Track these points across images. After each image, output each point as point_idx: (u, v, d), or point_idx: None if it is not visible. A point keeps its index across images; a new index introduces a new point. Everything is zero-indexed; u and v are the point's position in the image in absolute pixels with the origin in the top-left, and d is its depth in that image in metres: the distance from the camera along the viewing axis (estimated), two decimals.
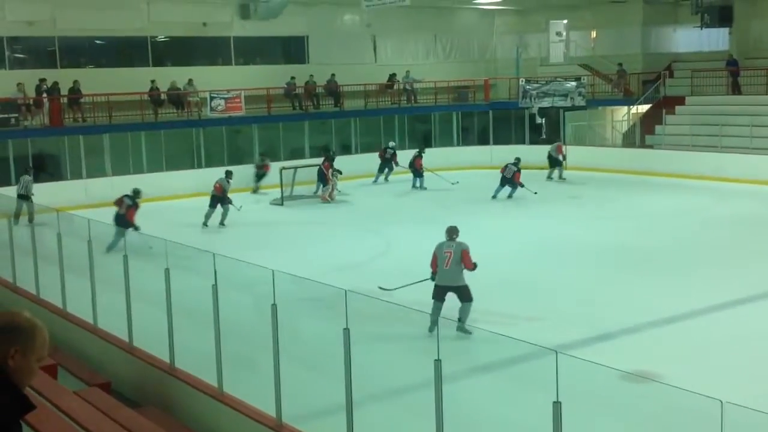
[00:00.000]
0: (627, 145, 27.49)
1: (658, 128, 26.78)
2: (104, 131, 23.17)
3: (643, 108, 28.41)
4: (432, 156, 26.72)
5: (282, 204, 20.85)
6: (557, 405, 5.42)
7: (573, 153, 26.17)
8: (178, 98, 25.06)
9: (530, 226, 17.21)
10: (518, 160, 21.07)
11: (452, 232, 10.37)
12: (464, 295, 9.84)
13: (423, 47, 31.38)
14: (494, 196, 20.62)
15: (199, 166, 24.22)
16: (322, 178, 21.29)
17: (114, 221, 14.85)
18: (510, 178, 20.58)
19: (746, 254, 14.22)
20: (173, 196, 21.58)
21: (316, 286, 8.87)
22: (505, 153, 26.85)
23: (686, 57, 29.70)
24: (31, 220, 15.49)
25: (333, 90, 27.67)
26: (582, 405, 6.64)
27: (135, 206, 15.52)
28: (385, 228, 17.25)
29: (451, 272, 9.90)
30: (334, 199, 21.05)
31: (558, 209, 19.34)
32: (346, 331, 6.85)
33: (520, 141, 28.30)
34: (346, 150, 26.37)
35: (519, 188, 20.51)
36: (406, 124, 28.88)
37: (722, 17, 27.90)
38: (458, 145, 29.18)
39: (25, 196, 17.95)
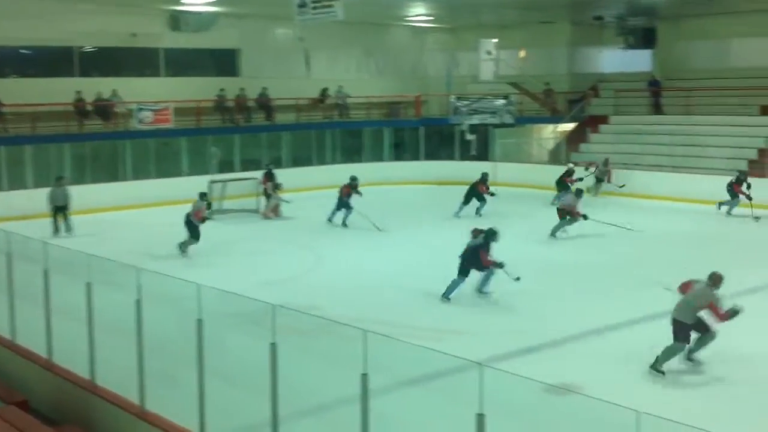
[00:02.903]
0: (553, 163, 28.07)
1: (582, 146, 27.46)
2: (26, 142, 22.57)
3: (569, 126, 29.10)
4: (364, 171, 26.86)
5: (211, 218, 20.56)
6: (481, 417, 5.50)
7: (501, 170, 26.59)
8: (104, 109, 24.58)
9: (462, 241, 17.38)
10: (485, 174, 21.29)
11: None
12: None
13: (355, 62, 31.52)
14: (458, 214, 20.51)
15: (126, 179, 23.78)
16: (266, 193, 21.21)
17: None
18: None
19: (668, 268, 14.63)
20: (98, 209, 21.14)
21: (243, 300, 8.79)
22: (437, 169, 27.25)
23: (611, 77, 30.54)
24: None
25: (264, 103, 27.55)
26: (505, 417, 6.73)
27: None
28: (316, 243, 17.21)
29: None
30: (278, 214, 20.89)
31: (481, 224, 19.55)
32: (273, 345, 6.82)
33: (451, 157, 28.64)
34: (276, 164, 26.21)
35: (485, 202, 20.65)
36: (337, 138, 28.93)
37: (646, 39, 28.86)
38: (390, 160, 29.34)
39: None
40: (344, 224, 19.25)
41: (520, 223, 19.75)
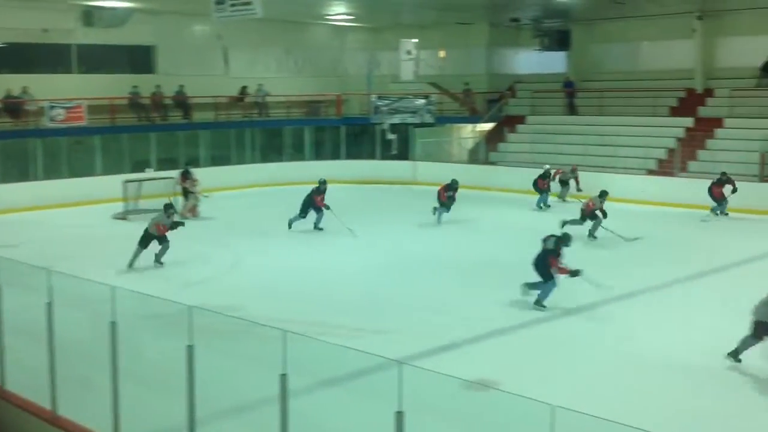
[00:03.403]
0: (472, 162, 28.48)
1: (501, 145, 27.95)
2: None
3: (488, 126, 29.57)
4: (284, 170, 26.75)
5: (125, 218, 20.14)
6: (400, 415, 5.53)
7: (421, 169, 26.85)
8: (14, 107, 23.74)
9: (382, 240, 17.45)
10: (455, 181, 19.69)
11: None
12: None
13: (275, 61, 31.27)
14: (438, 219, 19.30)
15: (37, 179, 23.04)
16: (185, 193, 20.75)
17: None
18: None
19: (580, 265, 15.01)
20: (8, 210, 20.42)
21: (159, 302, 8.64)
22: (358, 168, 27.29)
23: (527, 78, 31.14)
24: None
25: (182, 101, 27.08)
26: (425, 414, 6.79)
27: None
28: (236, 243, 17.01)
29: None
30: (196, 214, 20.53)
31: (407, 222, 19.71)
32: (190, 348, 6.71)
33: (372, 156, 28.73)
34: (194, 163, 25.78)
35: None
36: (257, 137, 28.67)
37: (561, 41, 29.56)
38: (310, 159, 29.24)
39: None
40: (318, 227, 18.24)
41: (445, 221, 19.94)
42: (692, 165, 23.23)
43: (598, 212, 17.28)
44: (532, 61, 31.24)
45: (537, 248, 16.53)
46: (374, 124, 28.44)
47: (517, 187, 23.88)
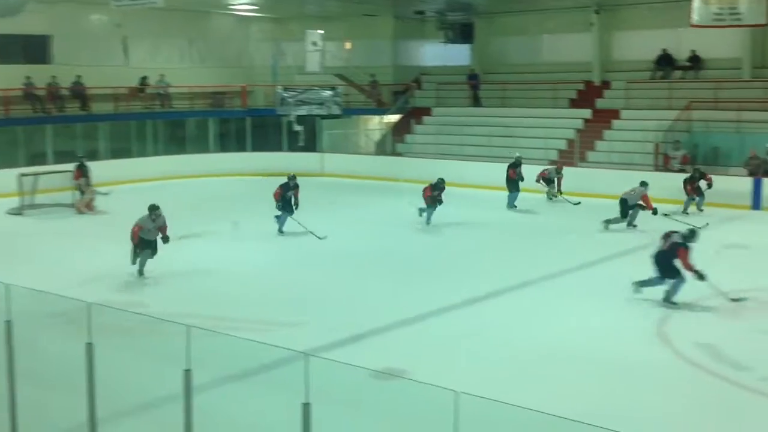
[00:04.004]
0: (379, 153, 28.62)
1: (407, 137, 28.19)
2: None
3: (394, 118, 29.76)
4: (188, 163, 26.24)
5: (21, 213, 19.38)
6: (306, 406, 5.53)
7: (329, 161, 26.81)
8: None
9: (290, 233, 17.34)
10: (441, 180, 18.17)
11: None
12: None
13: (177, 51, 30.63)
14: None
15: None
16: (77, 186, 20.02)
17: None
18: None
19: (487, 254, 15.33)
20: None
21: (57, 300, 8.36)
22: (264, 160, 27.01)
23: (433, 70, 31.50)
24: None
25: (79, 92, 26.22)
26: (332, 405, 6.80)
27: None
28: None
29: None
30: (92, 209, 19.88)
31: (315, 214, 19.65)
32: (89, 345, 6.53)
33: (278, 148, 28.50)
34: (93, 156, 25.00)
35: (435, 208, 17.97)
36: (159, 129, 28.04)
37: (464, 34, 30.01)
38: (215, 151, 28.79)
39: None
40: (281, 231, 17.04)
41: (352, 212, 20.00)
42: (591, 155, 23.97)
43: (640, 201, 17.14)
44: (437, 53, 31.60)
45: (444, 238, 16.85)
46: (280, 115, 28.21)
47: (425, 178, 24.08)
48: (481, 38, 30.04)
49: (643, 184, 17.54)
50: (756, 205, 19.54)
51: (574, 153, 23.93)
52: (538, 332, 10.44)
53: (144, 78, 27.94)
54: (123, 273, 13.58)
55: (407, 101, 30.01)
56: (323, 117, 28.27)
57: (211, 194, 22.82)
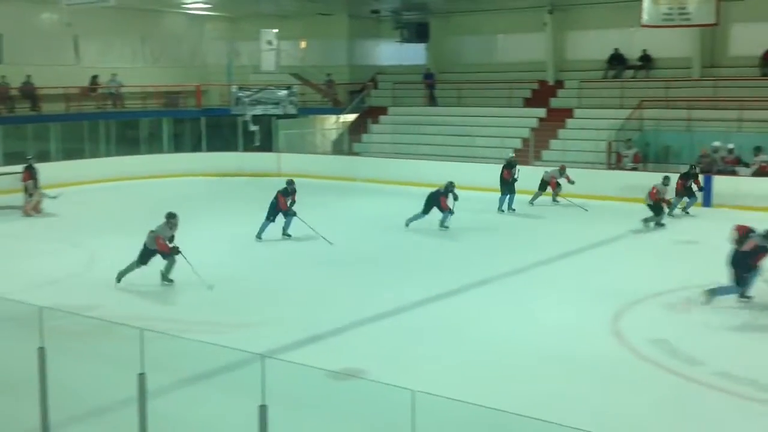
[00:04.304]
0: (336, 153, 28.57)
1: (364, 136, 28.18)
2: None
3: (351, 117, 29.74)
4: (142, 163, 25.91)
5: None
6: (263, 408, 5.49)
7: (285, 160, 26.68)
8: None
9: (244, 231, 17.21)
10: (450, 184, 17.27)
11: None
12: None
13: (130, 50, 30.22)
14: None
15: None
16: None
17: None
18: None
19: (446, 252, 15.39)
20: None
21: (7, 304, 8.19)
22: (219, 160, 26.78)
23: (389, 69, 31.54)
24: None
25: (29, 92, 25.71)
26: (289, 407, 6.77)
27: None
28: (90, 240, 16.31)
29: None
30: (39, 211, 19.48)
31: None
32: (41, 350, 6.41)
33: (234, 148, 28.27)
34: (45, 157, 24.52)
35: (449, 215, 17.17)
36: (112, 129, 27.62)
37: (419, 33, 30.10)
38: (169, 152, 28.44)
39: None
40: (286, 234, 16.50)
41: (309, 212, 19.90)
42: (546, 154, 24.21)
43: (666, 197, 17.18)
44: (393, 52, 31.66)
45: (401, 237, 16.86)
46: (236, 115, 27.99)
47: (382, 178, 24.15)
48: (437, 38, 30.15)
49: (666, 179, 17.49)
50: (707, 202, 19.91)
51: (529, 152, 24.15)
52: (495, 330, 10.50)
53: (95, 77, 27.51)
54: (71, 276, 13.34)
55: (363, 100, 30.00)
56: (279, 117, 28.12)
57: (165, 195, 22.51)
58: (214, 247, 15.81)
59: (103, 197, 22.38)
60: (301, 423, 7.11)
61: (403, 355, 9.57)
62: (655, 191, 17.29)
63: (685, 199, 19.07)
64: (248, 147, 27.90)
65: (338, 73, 30.58)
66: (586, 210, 19.40)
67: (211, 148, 28.09)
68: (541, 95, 27.11)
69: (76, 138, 26.53)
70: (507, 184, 19.66)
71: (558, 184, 20.38)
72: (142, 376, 5.98)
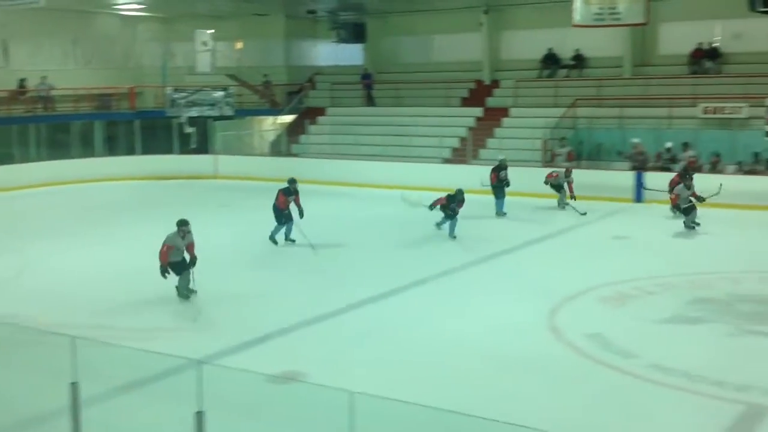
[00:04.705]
0: (274, 154, 28.38)
1: (303, 137, 28.04)
2: None
3: (289, 118, 29.58)
4: (73, 167, 25.31)
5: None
6: (200, 415, 5.41)
7: (222, 163, 26.41)
8: None
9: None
10: (459, 192, 16.16)
11: None
12: None
13: (61, 52, 29.50)
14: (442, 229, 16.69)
15: None
16: None
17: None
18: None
19: (384, 252, 15.38)
20: None
21: None
22: (154, 163, 26.34)
23: (326, 70, 31.46)
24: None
25: None
26: (228, 412, 6.68)
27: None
28: (22, 246, 15.87)
29: None
30: None
31: (209, 217, 19.32)
32: None
33: (169, 150, 27.84)
34: None
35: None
36: (42, 133, 26.93)
37: (356, 34, 30.07)
38: (102, 155, 27.82)
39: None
40: (289, 239, 15.74)
41: (247, 214, 19.75)
42: (483, 153, 24.45)
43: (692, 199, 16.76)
44: (330, 53, 31.58)
45: (340, 238, 16.80)
46: (171, 117, 27.57)
47: (321, 179, 24.05)
48: (374, 38, 30.19)
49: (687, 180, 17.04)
50: (638, 197, 20.37)
51: (467, 151, 24.35)
52: (434, 329, 10.54)
53: (23, 80, 26.81)
54: (5, 284, 12.97)
55: (301, 101, 29.87)
56: (215, 118, 27.80)
57: (97, 200, 22.09)
58: (149, 251, 15.52)
59: (33, 203, 21.81)
60: (239, 428, 7.03)
61: (344, 357, 9.54)
62: (676, 198, 16.98)
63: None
64: (184, 149, 27.51)
65: (275, 74, 30.38)
66: (584, 213, 18.49)
67: (146, 151, 27.62)
68: (477, 94, 27.37)
69: (5, 142, 25.78)
70: (495, 188, 18.83)
71: (560, 187, 19.51)
72: (74, 385, 5.83)
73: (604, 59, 25.95)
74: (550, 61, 26.80)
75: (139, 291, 12.45)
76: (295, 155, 27.30)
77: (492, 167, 19.31)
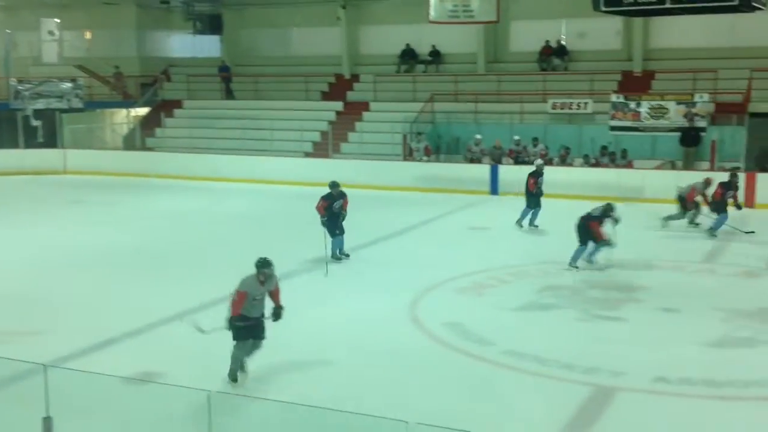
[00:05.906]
0: (128, 148, 27.42)
1: (158, 131, 27.23)
2: None
3: (143, 111, 28.64)
4: None
5: None
6: (48, 420, 5.16)
7: (72, 157, 25.25)
8: None
9: (28, 234, 16.11)
10: (608, 206, 13.41)
11: None
12: None
13: None
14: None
15: None
16: None
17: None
18: None
19: (241, 248, 15.15)
20: None
21: None
22: None
23: (182, 62, 30.67)
24: None
25: None
26: (78, 416, 6.39)
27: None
28: None
29: None
30: None
31: (58, 215, 18.45)
32: None
33: (14, 145, 26.32)
34: None
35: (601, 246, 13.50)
36: None
37: (213, 25, 29.52)
38: None
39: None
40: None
41: (100, 210, 18.99)
42: (345, 147, 24.55)
43: (699, 199, 15.80)
44: (186, 44, 30.85)
45: (196, 233, 16.42)
46: (15, 109, 26.11)
47: (178, 173, 23.43)
48: (231, 30, 29.69)
49: (707, 182, 15.86)
50: (494, 190, 21.05)
51: (329, 145, 24.38)
52: (299, 324, 10.48)
53: None
54: None
55: (156, 93, 28.99)
56: (63, 111, 26.55)
57: None
58: (28, 252, 14.65)
59: None
60: (92, 430, 6.74)
61: (203, 355, 9.31)
62: (694, 193, 15.85)
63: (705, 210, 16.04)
64: (30, 143, 26.10)
65: (127, 65, 29.32)
66: (752, 232, 15.63)
67: None
68: (338, 89, 27.44)
69: None
70: (532, 196, 16.33)
71: (695, 203, 16.07)
72: None
73: (459, 55, 26.63)
74: (408, 56, 27.23)
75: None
76: (151, 149, 26.50)
77: (529, 172, 16.55)
